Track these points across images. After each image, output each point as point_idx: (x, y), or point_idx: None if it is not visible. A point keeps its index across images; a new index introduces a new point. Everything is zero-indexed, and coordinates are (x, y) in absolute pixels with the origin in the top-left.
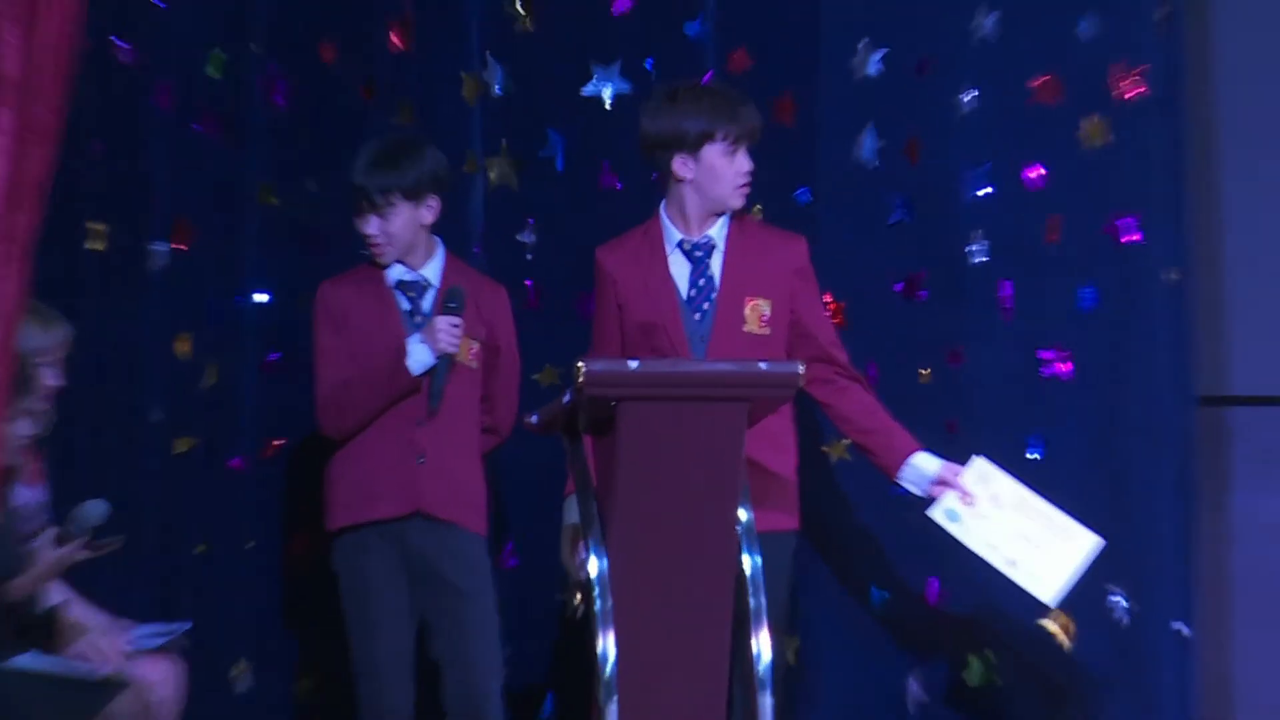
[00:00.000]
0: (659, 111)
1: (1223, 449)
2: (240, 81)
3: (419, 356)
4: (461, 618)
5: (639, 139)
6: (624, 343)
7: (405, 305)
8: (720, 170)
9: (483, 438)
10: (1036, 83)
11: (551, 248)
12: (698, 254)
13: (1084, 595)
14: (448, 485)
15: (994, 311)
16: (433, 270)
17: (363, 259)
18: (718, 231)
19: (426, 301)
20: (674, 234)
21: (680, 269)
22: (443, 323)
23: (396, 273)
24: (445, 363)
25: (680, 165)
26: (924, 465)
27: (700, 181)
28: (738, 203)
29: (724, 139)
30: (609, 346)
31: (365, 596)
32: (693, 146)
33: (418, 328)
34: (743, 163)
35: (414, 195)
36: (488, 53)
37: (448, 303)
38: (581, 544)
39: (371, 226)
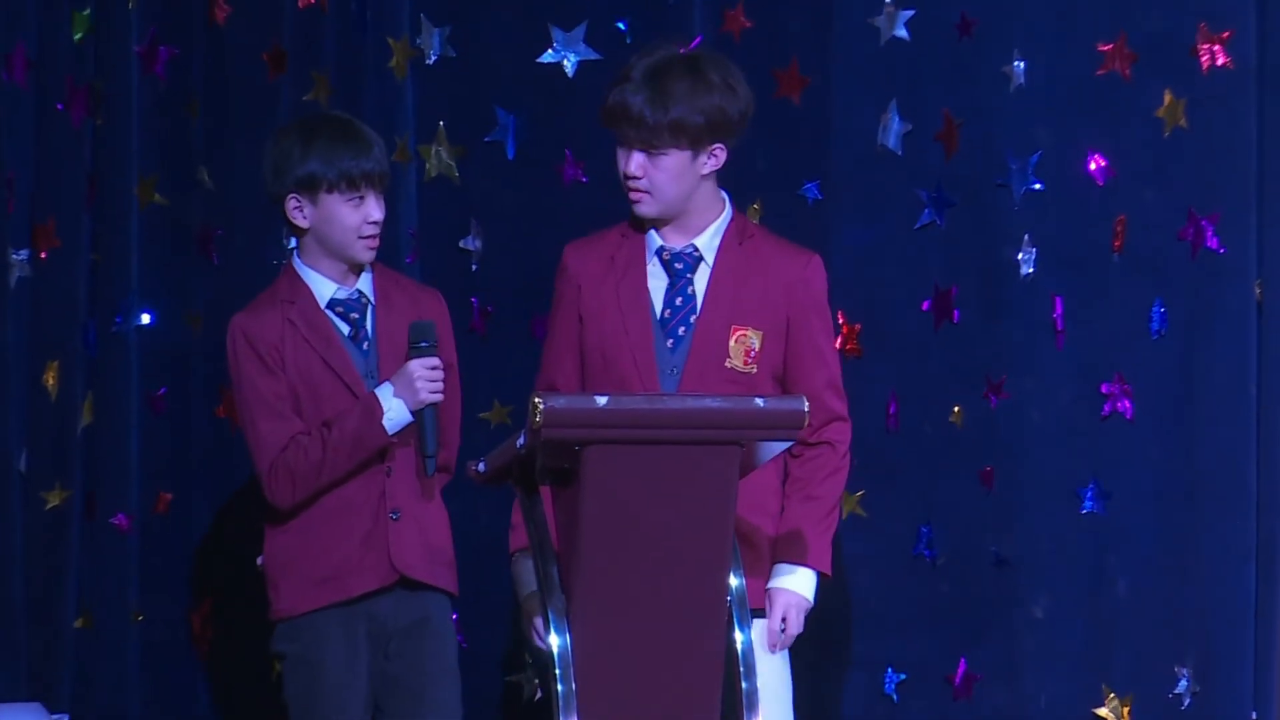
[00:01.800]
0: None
1: None
2: (113, 48)
3: (396, 414)
4: (427, 697)
5: (678, 119)
6: (582, 368)
7: (345, 329)
8: (685, 174)
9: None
10: (1105, 48)
11: (501, 256)
12: (678, 266)
13: (1144, 675)
14: (424, 542)
15: (1043, 335)
16: (366, 282)
17: (267, 280)
18: (708, 240)
19: (369, 322)
20: (655, 239)
21: (657, 282)
22: (418, 368)
23: (326, 290)
24: (431, 413)
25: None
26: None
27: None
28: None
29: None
30: (561, 371)
31: (321, 685)
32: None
33: (365, 355)
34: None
35: None
36: (422, 14)
37: (418, 342)
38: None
39: (380, 210)
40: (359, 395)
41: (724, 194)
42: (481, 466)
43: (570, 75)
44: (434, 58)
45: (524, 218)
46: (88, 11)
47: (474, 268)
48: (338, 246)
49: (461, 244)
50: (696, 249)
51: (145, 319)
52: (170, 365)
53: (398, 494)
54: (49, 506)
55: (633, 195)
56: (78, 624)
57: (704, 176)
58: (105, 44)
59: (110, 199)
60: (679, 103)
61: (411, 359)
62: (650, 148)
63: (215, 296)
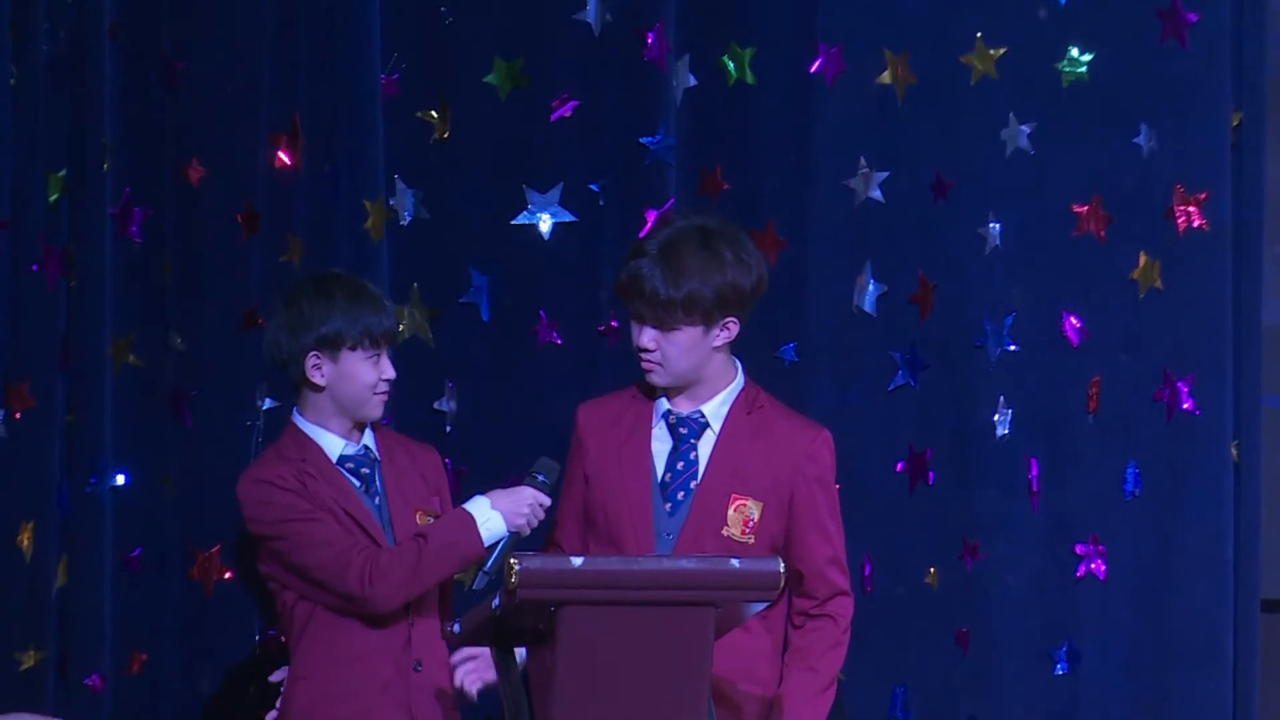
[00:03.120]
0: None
1: None
2: (88, 209)
3: (494, 525)
4: None
5: (691, 296)
6: (585, 528)
7: (356, 484)
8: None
9: None
10: (1080, 209)
11: (476, 418)
12: (682, 430)
13: None
14: (442, 697)
15: (1018, 497)
16: (369, 439)
17: (240, 442)
18: (715, 408)
19: (378, 478)
20: (664, 403)
21: (661, 445)
22: (533, 496)
23: (335, 446)
24: (512, 540)
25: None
26: None
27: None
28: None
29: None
30: (565, 533)
31: None
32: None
33: (377, 508)
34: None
35: None
36: (396, 175)
37: (538, 474)
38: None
39: (392, 368)
40: (382, 545)
41: (737, 362)
42: (456, 628)
43: (545, 237)
44: (408, 219)
45: (498, 379)
46: (63, 173)
47: (448, 429)
48: (353, 403)
49: (436, 405)
50: (703, 415)
51: (120, 480)
52: (144, 526)
53: (420, 644)
54: (23, 668)
55: (645, 366)
56: None
57: (716, 348)
58: (80, 205)
59: (84, 360)
60: (691, 279)
61: (527, 485)
62: (663, 324)
63: (188, 458)
